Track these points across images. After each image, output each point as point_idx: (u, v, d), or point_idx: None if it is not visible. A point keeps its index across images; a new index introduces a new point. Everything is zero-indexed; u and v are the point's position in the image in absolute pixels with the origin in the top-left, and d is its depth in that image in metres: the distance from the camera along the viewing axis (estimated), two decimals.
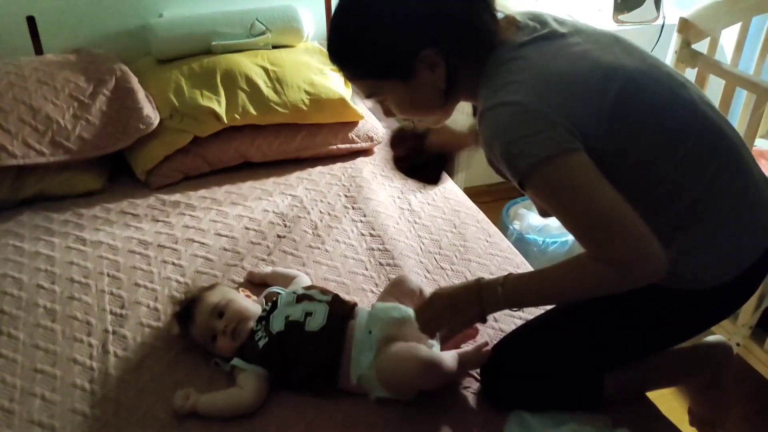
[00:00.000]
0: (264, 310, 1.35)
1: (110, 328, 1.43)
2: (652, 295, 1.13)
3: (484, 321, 1.15)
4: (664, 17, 2.50)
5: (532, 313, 1.48)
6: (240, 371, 1.27)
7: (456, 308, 1.15)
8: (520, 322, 1.46)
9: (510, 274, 1.12)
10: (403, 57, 1.03)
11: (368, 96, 1.13)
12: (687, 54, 1.93)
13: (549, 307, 1.43)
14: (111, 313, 1.47)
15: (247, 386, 1.24)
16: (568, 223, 1.03)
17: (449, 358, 1.24)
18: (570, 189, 1.00)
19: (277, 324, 1.29)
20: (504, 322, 1.48)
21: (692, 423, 1.47)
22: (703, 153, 1.08)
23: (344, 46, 1.07)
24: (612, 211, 0.98)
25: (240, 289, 1.45)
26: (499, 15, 1.10)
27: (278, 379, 1.27)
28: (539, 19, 1.12)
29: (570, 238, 2.39)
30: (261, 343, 1.28)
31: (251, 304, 1.37)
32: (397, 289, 1.40)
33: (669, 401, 1.61)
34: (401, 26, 1.02)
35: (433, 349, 1.26)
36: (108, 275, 1.59)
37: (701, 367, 1.35)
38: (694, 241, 1.09)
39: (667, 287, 1.12)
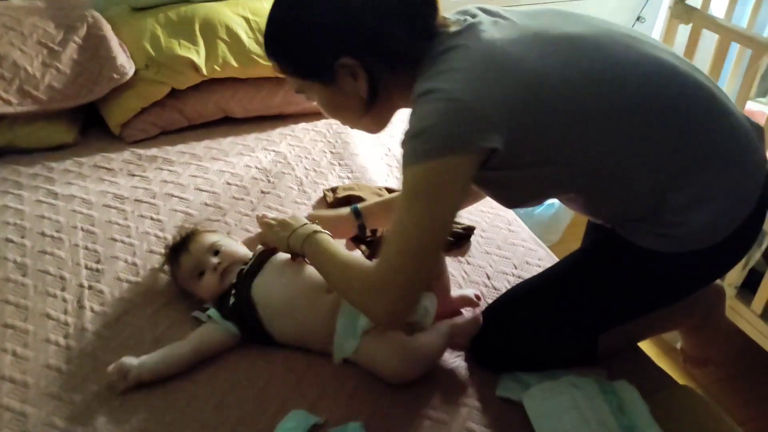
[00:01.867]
0: (251, 264, 1.27)
1: (86, 283, 1.35)
2: (650, 259, 1.10)
3: (291, 252, 1.22)
4: None
5: (528, 271, 1.45)
6: (206, 323, 1.22)
7: (280, 230, 1.24)
8: (513, 280, 1.43)
9: (319, 235, 1.17)
10: (321, 62, 1.02)
11: (297, 92, 1.13)
12: (681, 9, 1.89)
13: (546, 268, 1.40)
14: (86, 267, 1.39)
15: (189, 338, 1.19)
16: (397, 228, 1.00)
17: (436, 338, 1.17)
18: (423, 195, 0.97)
19: (256, 292, 1.22)
20: (497, 279, 1.44)
21: (685, 361, 1.47)
22: (672, 107, 1.04)
23: (273, 41, 1.06)
24: (425, 244, 0.99)
25: (240, 242, 1.39)
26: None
27: (258, 339, 1.22)
28: (468, 12, 1.08)
29: (556, 201, 2.35)
30: (231, 301, 1.22)
31: (248, 253, 1.31)
32: None
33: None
34: (320, 33, 1.01)
35: (428, 314, 1.20)
36: (82, 229, 1.50)
37: (693, 310, 1.34)
38: (685, 198, 1.05)
39: (665, 251, 1.09)
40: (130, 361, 1.13)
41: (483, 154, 0.97)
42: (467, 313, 1.28)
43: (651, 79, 1.03)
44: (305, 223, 1.22)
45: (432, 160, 0.95)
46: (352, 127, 1.20)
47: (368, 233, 1.45)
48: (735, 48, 1.85)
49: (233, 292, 1.23)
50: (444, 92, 0.96)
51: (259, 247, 1.33)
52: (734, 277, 1.85)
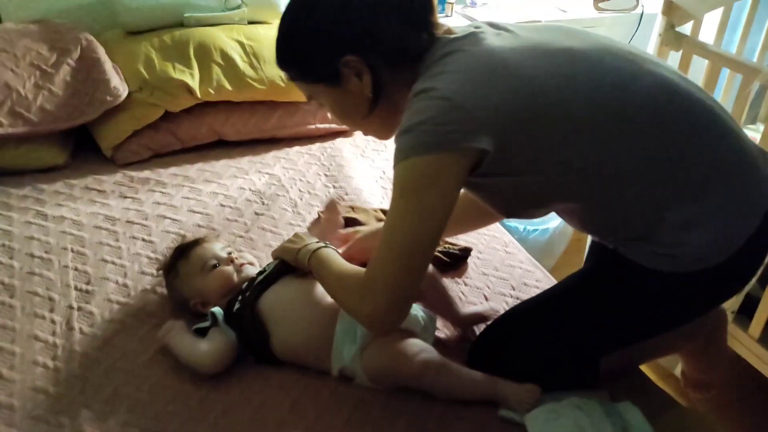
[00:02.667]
0: (267, 274, 1.25)
1: (75, 305, 1.32)
2: (655, 280, 1.08)
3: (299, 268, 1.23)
4: (642, 6, 2.50)
5: (526, 293, 1.43)
6: (213, 330, 1.19)
7: (290, 244, 1.25)
8: (512, 301, 1.41)
9: (323, 251, 1.17)
10: (325, 63, 1.04)
11: (308, 98, 1.16)
12: (672, 36, 1.92)
13: (546, 288, 1.38)
14: (76, 288, 1.36)
15: (209, 345, 1.17)
16: (387, 225, 1.01)
17: (469, 371, 1.15)
18: (412, 191, 0.97)
19: (264, 301, 1.20)
20: (495, 300, 1.42)
21: (686, 385, 1.44)
22: (671, 124, 1.03)
23: (280, 49, 1.10)
24: (415, 244, 0.98)
25: None
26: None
27: (254, 351, 1.19)
28: (473, 25, 1.10)
29: (551, 226, 2.35)
30: (236, 307, 1.20)
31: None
32: None
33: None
34: (322, 33, 1.04)
35: (427, 331, 1.20)
36: (72, 251, 1.47)
37: (696, 333, 1.32)
38: (684, 216, 1.04)
39: (670, 271, 1.07)
40: (180, 326, 1.19)
41: (473, 156, 0.97)
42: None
43: (650, 94, 1.03)
44: (316, 241, 1.22)
45: (420, 156, 0.95)
46: (364, 133, 1.21)
47: None
48: (725, 74, 1.87)
49: (240, 298, 1.20)
50: (436, 91, 0.97)
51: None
52: (730, 302, 1.84)
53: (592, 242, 1.38)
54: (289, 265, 1.24)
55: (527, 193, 1.08)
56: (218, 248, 1.30)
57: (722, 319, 1.36)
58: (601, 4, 2.49)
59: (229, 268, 1.25)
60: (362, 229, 1.46)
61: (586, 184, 1.05)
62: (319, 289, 1.21)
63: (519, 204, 1.12)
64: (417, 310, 1.20)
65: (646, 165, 1.03)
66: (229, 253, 1.29)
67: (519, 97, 0.98)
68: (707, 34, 1.98)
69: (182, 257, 1.29)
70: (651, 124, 1.02)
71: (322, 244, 1.19)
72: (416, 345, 1.14)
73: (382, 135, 1.18)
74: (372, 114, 1.09)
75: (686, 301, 1.13)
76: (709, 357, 1.37)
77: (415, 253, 0.98)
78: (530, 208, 1.13)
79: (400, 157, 0.98)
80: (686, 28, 1.95)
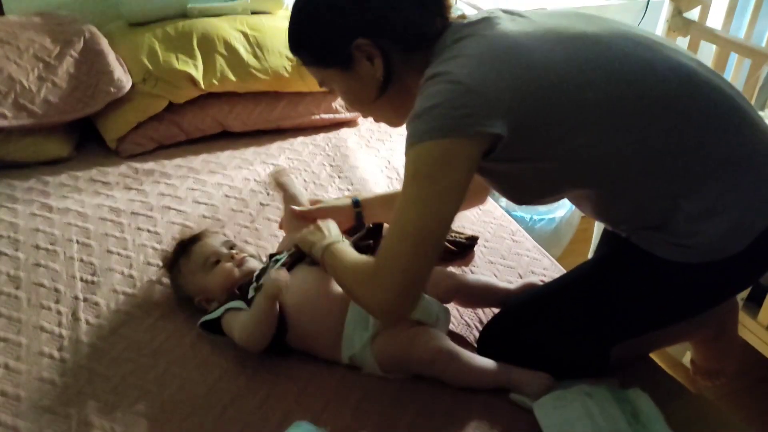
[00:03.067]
0: (266, 263, 1.25)
1: (81, 296, 1.32)
2: (668, 270, 1.07)
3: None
4: None
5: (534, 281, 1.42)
6: (235, 312, 1.18)
7: (309, 235, 1.22)
8: None
9: (337, 245, 1.14)
10: (337, 45, 1.04)
11: (320, 84, 1.15)
12: (679, 22, 1.90)
13: (554, 276, 1.37)
14: (81, 280, 1.36)
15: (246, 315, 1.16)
16: (398, 211, 0.99)
17: (482, 360, 1.14)
18: (424, 177, 0.95)
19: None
20: None
21: (695, 373, 1.43)
22: (688, 111, 1.02)
23: (294, 31, 1.10)
24: (426, 227, 0.96)
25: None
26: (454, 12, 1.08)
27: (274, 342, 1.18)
28: (488, 11, 1.08)
29: (557, 215, 2.34)
30: (250, 294, 1.19)
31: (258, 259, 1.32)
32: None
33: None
34: (333, 17, 1.03)
35: (439, 323, 1.18)
36: (77, 242, 1.47)
37: (707, 321, 1.30)
38: (700, 206, 1.02)
39: (683, 261, 1.05)
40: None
41: (486, 141, 0.96)
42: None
43: (668, 80, 1.01)
44: (333, 234, 1.20)
45: (433, 140, 0.94)
46: (375, 119, 1.21)
47: (370, 225, 1.42)
48: (733, 59, 1.85)
49: (254, 285, 1.20)
50: (450, 75, 0.96)
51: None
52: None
53: (604, 231, 1.37)
54: (303, 253, 1.24)
55: (540, 179, 1.07)
56: (218, 243, 1.29)
57: (733, 308, 1.34)
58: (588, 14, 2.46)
59: (230, 265, 1.24)
60: (327, 201, 1.45)
61: (601, 172, 1.03)
62: (335, 285, 1.19)
63: (531, 190, 1.10)
64: (431, 303, 1.19)
65: (662, 153, 1.01)
66: (231, 248, 1.28)
67: (534, 81, 0.97)
68: (715, 20, 1.95)
69: (183, 254, 1.28)
70: (669, 112, 1.01)
71: (336, 240, 1.17)
72: (429, 332, 1.13)
73: (393, 121, 1.17)
74: (382, 99, 1.08)
75: (699, 292, 1.11)
76: (720, 345, 1.36)
77: (427, 240, 0.97)
78: (543, 195, 1.12)
79: (412, 141, 0.96)
80: (693, 14, 1.93)
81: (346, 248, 1.15)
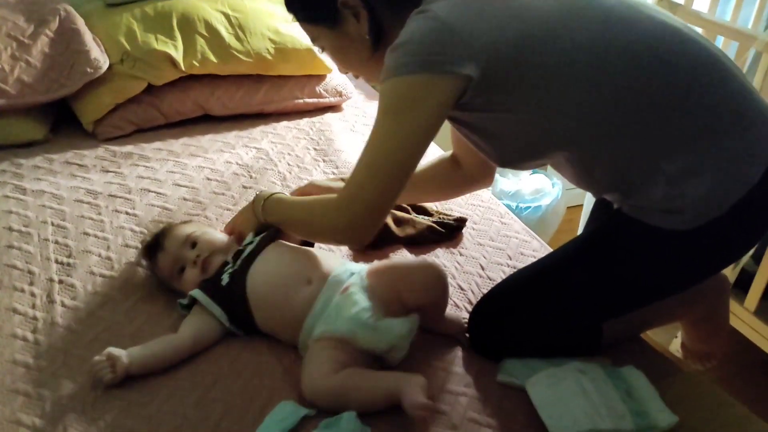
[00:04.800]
0: (244, 245, 1.20)
1: (56, 277, 1.27)
2: (659, 238, 1.05)
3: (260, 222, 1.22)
4: None
5: (523, 262, 1.40)
6: (194, 310, 1.14)
7: (245, 211, 1.28)
8: (509, 270, 1.38)
9: (277, 194, 1.20)
10: (324, 1, 1.05)
11: (312, 41, 1.15)
12: (665, 5, 1.89)
13: (544, 255, 1.34)
14: (56, 262, 1.31)
15: (185, 328, 1.11)
16: (367, 144, 1.02)
17: (374, 385, 1.02)
18: (393, 112, 0.98)
19: (251, 275, 1.14)
20: (491, 270, 1.38)
21: (686, 357, 1.41)
22: (672, 68, 1.00)
23: None
24: (394, 161, 0.99)
25: (220, 230, 1.32)
26: None
27: (242, 325, 1.14)
28: None
29: (543, 203, 2.32)
30: (224, 281, 1.14)
31: (226, 239, 1.24)
32: None
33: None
34: None
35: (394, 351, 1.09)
36: (52, 224, 1.42)
37: (697, 301, 1.28)
38: (681, 166, 1.01)
39: (671, 228, 1.03)
40: (119, 351, 1.04)
41: (458, 83, 0.96)
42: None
43: (653, 37, 1.00)
44: (256, 197, 1.23)
45: (406, 75, 0.96)
46: (366, 79, 1.21)
47: None
48: (719, 42, 1.84)
49: (228, 270, 1.15)
50: (430, 12, 0.96)
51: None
52: (727, 275, 1.82)
53: (593, 207, 1.35)
54: (269, 237, 1.21)
55: (517, 134, 1.05)
56: (179, 244, 1.19)
57: (724, 286, 1.33)
58: None
59: (196, 272, 1.17)
60: (316, 180, 1.47)
61: (581, 129, 1.02)
62: (300, 268, 1.14)
63: (510, 147, 1.09)
64: (389, 328, 1.06)
65: (644, 109, 1.00)
66: (193, 244, 1.20)
67: (514, 28, 0.97)
68: (701, 4, 1.95)
69: (152, 261, 1.23)
70: (651, 68, 1.00)
71: (273, 191, 1.20)
72: (327, 363, 1.02)
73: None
74: (372, 58, 1.07)
75: (691, 260, 1.09)
76: (711, 326, 1.34)
77: (393, 174, 1.00)
78: (523, 154, 1.10)
79: (387, 74, 0.98)
80: None
81: (288, 195, 1.18)
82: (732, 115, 1.02)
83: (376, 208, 1.02)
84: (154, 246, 1.23)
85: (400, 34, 0.98)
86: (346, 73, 1.17)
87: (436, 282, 1.13)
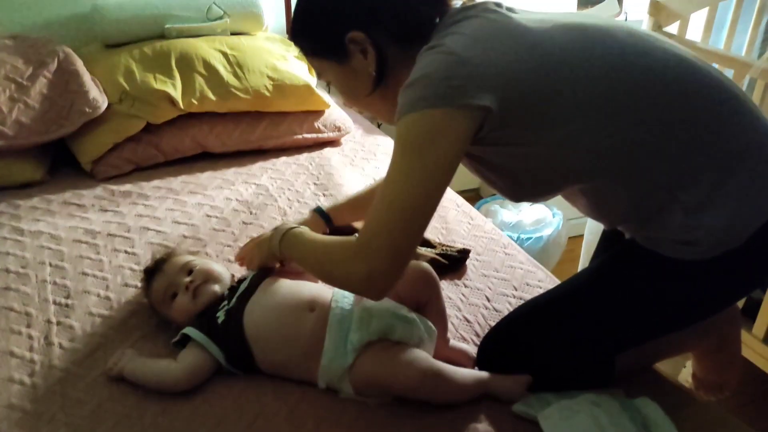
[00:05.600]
0: (237, 280, 1.18)
1: (54, 319, 1.24)
2: (675, 270, 1.03)
3: (278, 260, 1.21)
4: (626, 12, 2.50)
5: (529, 293, 1.37)
6: (190, 345, 1.11)
7: (260, 242, 1.24)
8: (515, 302, 1.35)
9: (296, 229, 1.15)
10: (331, 36, 1.04)
11: (318, 76, 1.14)
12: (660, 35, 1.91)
13: (550, 285, 1.33)
14: (54, 303, 1.28)
15: (182, 361, 1.09)
16: (385, 185, 0.96)
17: (463, 374, 1.08)
18: (412, 150, 0.93)
19: (248, 313, 1.12)
20: (497, 301, 1.36)
21: (698, 388, 1.38)
22: (689, 99, 0.99)
23: (295, 21, 1.10)
24: (415, 203, 0.93)
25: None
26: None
27: (239, 364, 1.11)
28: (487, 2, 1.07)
29: (545, 234, 2.31)
30: (220, 319, 1.12)
31: (225, 272, 1.21)
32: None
33: None
34: (330, 8, 1.04)
35: (423, 343, 1.11)
36: (50, 265, 1.39)
37: (709, 331, 1.26)
38: (697, 198, 1.00)
39: (689, 259, 1.02)
40: (131, 353, 1.12)
41: (477, 116, 0.93)
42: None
43: (667, 68, 0.99)
44: (283, 224, 1.19)
45: (422, 110, 0.92)
46: (370, 114, 1.19)
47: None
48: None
49: (223, 307, 1.13)
50: (444, 47, 0.95)
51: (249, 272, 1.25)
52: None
53: (602, 237, 1.33)
54: (268, 271, 1.21)
55: (534, 169, 1.03)
56: (177, 269, 1.19)
57: (736, 317, 1.30)
58: (584, 11, 2.49)
59: (186, 299, 1.16)
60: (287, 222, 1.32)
61: (596, 161, 1.00)
62: (299, 294, 1.14)
63: (526, 183, 1.07)
64: (415, 322, 1.12)
65: (661, 141, 0.99)
66: (190, 271, 1.19)
67: (531, 60, 0.95)
68: (694, 34, 1.97)
69: (148, 285, 1.22)
70: (668, 99, 0.98)
71: (289, 226, 1.16)
72: (412, 353, 1.06)
73: (387, 117, 1.13)
74: (376, 93, 1.07)
75: (706, 291, 1.07)
76: (723, 356, 1.32)
77: (415, 215, 0.94)
78: (537, 189, 1.08)
79: (402, 111, 0.95)
80: (673, 28, 1.94)
81: (308, 231, 1.13)
82: (749, 145, 1.01)
83: (398, 254, 0.95)
84: (153, 269, 1.22)
85: (414, 70, 0.96)
86: (351, 107, 1.17)
87: (423, 276, 1.16)
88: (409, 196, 0.93)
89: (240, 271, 1.32)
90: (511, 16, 1.00)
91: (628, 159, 0.99)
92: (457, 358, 1.17)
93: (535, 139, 0.99)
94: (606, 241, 1.31)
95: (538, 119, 0.97)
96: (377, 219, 0.95)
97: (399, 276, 0.97)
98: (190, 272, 1.19)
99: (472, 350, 1.20)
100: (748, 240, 1.00)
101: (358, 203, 1.43)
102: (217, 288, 1.18)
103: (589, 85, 0.96)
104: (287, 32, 1.13)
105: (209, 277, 1.18)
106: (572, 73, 0.96)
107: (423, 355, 1.08)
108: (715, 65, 1.84)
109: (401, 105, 0.95)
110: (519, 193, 1.10)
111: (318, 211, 1.42)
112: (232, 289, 1.18)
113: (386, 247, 0.94)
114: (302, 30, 1.08)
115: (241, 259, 1.31)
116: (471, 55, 0.93)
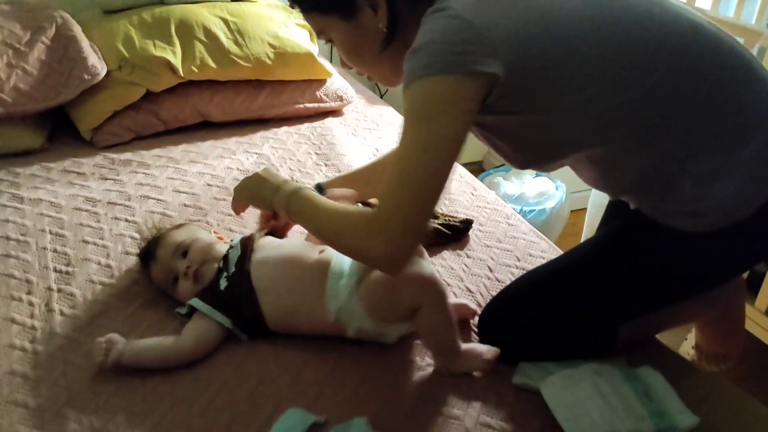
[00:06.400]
0: (230, 246, 1.18)
1: (54, 286, 1.23)
2: (681, 241, 1.02)
3: (273, 212, 1.15)
4: None
5: (532, 263, 1.37)
6: (195, 317, 1.11)
7: (258, 189, 1.13)
8: (517, 272, 1.35)
9: (304, 191, 1.07)
10: None
11: (318, 34, 1.07)
12: None
13: (552, 256, 1.32)
14: (55, 270, 1.28)
15: (190, 333, 1.09)
16: (398, 157, 0.93)
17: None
18: (421, 118, 0.91)
19: (254, 271, 1.13)
20: (499, 271, 1.35)
21: (700, 359, 1.38)
22: (699, 66, 0.97)
23: None
24: (429, 173, 0.91)
25: (213, 231, 1.29)
26: None
27: (247, 326, 1.11)
28: None
29: (548, 206, 2.30)
30: (222, 285, 1.12)
31: (219, 245, 1.21)
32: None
33: None
34: None
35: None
36: (50, 232, 1.38)
37: (714, 301, 1.25)
38: (707, 167, 0.98)
39: (694, 231, 1.01)
40: (118, 338, 1.05)
41: (484, 82, 0.91)
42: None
43: (680, 33, 0.97)
44: (285, 180, 1.12)
45: (430, 77, 0.89)
46: (372, 77, 1.12)
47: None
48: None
49: (224, 275, 1.13)
50: (451, 10, 0.90)
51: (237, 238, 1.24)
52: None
53: (608, 209, 1.32)
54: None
55: (542, 137, 1.01)
56: (170, 253, 1.17)
57: (741, 287, 1.30)
58: None
59: (188, 284, 1.15)
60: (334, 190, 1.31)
61: (609, 129, 0.98)
62: (303, 244, 1.17)
63: (534, 151, 1.05)
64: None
65: (672, 108, 0.97)
66: (184, 253, 1.17)
67: (540, 25, 0.92)
68: (704, 2, 1.93)
69: (147, 268, 1.21)
70: (680, 66, 0.96)
71: (299, 185, 1.09)
72: (414, 260, 1.06)
73: (391, 79, 1.10)
74: (384, 53, 1.02)
75: (710, 264, 1.07)
76: (727, 326, 1.31)
77: (430, 186, 0.92)
78: (547, 156, 1.06)
79: (410, 78, 0.91)
80: None
81: (316, 194, 1.08)
82: (759, 115, 0.99)
83: (413, 227, 0.93)
84: (147, 256, 1.21)
85: (419, 35, 0.93)
86: (353, 67, 1.11)
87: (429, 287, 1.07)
88: (423, 173, 0.91)
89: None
90: None
91: (638, 127, 0.97)
92: (458, 309, 1.18)
93: (542, 106, 0.96)
94: (611, 212, 1.30)
95: (546, 87, 0.95)
96: (393, 196, 0.93)
97: (415, 249, 0.98)
98: (184, 253, 1.17)
99: (472, 304, 1.22)
100: (755, 212, 0.99)
101: (357, 179, 1.38)
102: (215, 265, 1.16)
103: (599, 52, 0.93)
104: None
105: (206, 258, 1.16)
106: (583, 42, 0.93)
107: (426, 263, 1.12)
108: None
109: (407, 72, 0.92)
110: (527, 161, 1.08)
111: (317, 187, 1.34)
112: (225, 257, 1.17)
113: (403, 227, 0.92)
114: None
115: (239, 210, 1.25)
116: (478, 19, 0.89)
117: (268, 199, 1.10)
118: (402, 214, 0.92)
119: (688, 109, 0.97)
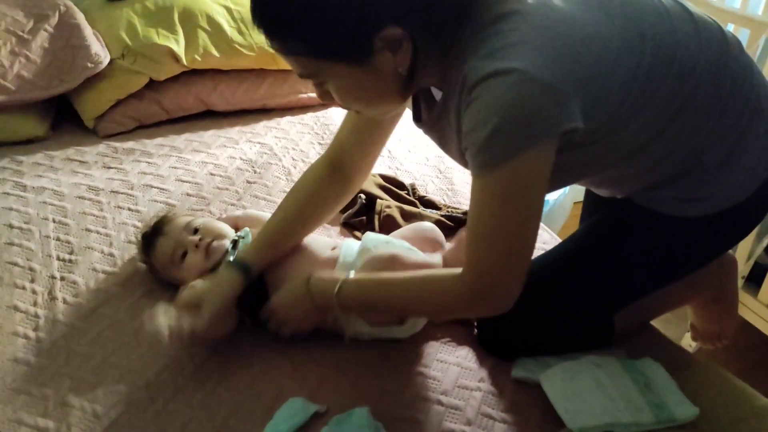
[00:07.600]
0: (240, 236, 1.18)
1: (57, 274, 1.24)
2: (674, 225, 1.03)
3: (325, 315, 1.08)
4: None
5: (535, 254, 1.36)
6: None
7: (296, 312, 1.07)
8: None
9: (347, 281, 1.01)
10: (360, 35, 0.82)
11: (303, 76, 0.89)
12: None
13: (554, 245, 1.31)
14: (58, 258, 1.28)
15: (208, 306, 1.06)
16: (479, 227, 0.90)
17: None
18: (514, 197, 0.86)
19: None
20: None
21: (696, 338, 1.41)
22: (717, 69, 0.96)
23: (279, 10, 0.81)
24: (526, 241, 0.91)
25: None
26: None
27: (250, 316, 1.12)
28: None
29: (550, 198, 2.29)
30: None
31: (226, 227, 1.22)
32: (417, 235, 1.25)
33: None
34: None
35: None
36: (53, 221, 1.39)
37: (707, 283, 1.27)
38: (718, 157, 0.99)
39: (692, 215, 1.02)
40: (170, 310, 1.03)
41: (565, 135, 0.85)
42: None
43: (696, 41, 0.95)
44: (308, 279, 1.04)
45: (514, 158, 0.83)
46: (373, 116, 1.06)
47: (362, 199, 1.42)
48: (730, 30, 1.81)
49: (231, 260, 1.13)
50: (516, 73, 0.80)
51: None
52: (739, 268, 1.78)
53: (588, 200, 1.33)
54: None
55: (586, 162, 0.98)
56: (180, 229, 1.18)
57: (732, 267, 1.31)
58: None
59: (199, 257, 1.15)
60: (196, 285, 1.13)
61: (643, 151, 0.96)
62: (314, 240, 1.19)
63: (566, 176, 1.02)
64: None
65: (696, 115, 0.95)
66: (195, 231, 1.17)
67: (591, 57, 0.85)
68: None
69: (150, 249, 1.20)
70: (700, 72, 0.94)
71: (331, 278, 1.02)
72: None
73: (392, 118, 1.10)
74: (397, 95, 0.91)
75: (702, 244, 1.09)
76: (721, 305, 1.33)
77: (525, 254, 0.92)
78: (569, 181, 1.06)
79: (492, 164, 0.84)
80: None
81: (361, 276, 1.03)
82: (758, 102, 1.00)
83: (518, 289, 0.93)
84: (152, 233, 1.20)
85: (486, 106, 0.82)
86: (349, 109, 1.03)
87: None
88: (519, 239, 0.89)
89: None
90: (547, 1, 0.86)
91: (669, 143, 0.96)
92: None
93: (605, 133, 0.91)
94: (595, 201, 1.29)
95: (605, 114, 0.90)
96: (491, 263, 0.90)
97: (511, 298, 0.95)
98: (195, 231, 1.18)
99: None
100: (752, 193, 1.01)
101: (277, 240, 1.16)
102: (226, 242, 1.17)
103: (635, 64, 0.89)
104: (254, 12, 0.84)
105: (218, 234, 1.18)
106: (621, 60, 0.88)
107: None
108: (732, 25, 1.80)
109: (489, 156, 0.83)
110: (560, 183, 1.06)
111: (235, 265, 1.10)
112: (234, 242, 1.18)
113: (509, 285, 0.92)
114: (305, 25, 0.81)
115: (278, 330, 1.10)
116: (546, 76, 0.80)
117: (306, 305, 1.04)
118: (505, 277, 0.92)
119: (710, 111, 0.96)
